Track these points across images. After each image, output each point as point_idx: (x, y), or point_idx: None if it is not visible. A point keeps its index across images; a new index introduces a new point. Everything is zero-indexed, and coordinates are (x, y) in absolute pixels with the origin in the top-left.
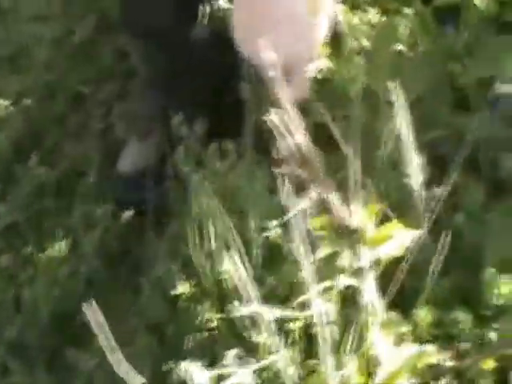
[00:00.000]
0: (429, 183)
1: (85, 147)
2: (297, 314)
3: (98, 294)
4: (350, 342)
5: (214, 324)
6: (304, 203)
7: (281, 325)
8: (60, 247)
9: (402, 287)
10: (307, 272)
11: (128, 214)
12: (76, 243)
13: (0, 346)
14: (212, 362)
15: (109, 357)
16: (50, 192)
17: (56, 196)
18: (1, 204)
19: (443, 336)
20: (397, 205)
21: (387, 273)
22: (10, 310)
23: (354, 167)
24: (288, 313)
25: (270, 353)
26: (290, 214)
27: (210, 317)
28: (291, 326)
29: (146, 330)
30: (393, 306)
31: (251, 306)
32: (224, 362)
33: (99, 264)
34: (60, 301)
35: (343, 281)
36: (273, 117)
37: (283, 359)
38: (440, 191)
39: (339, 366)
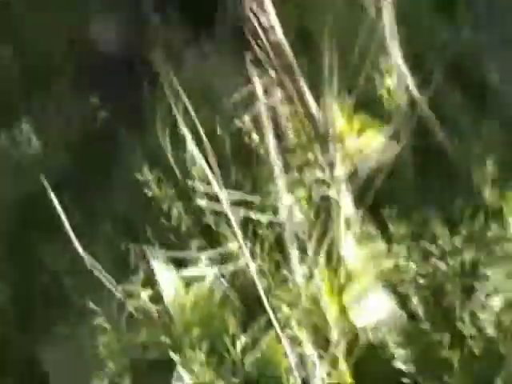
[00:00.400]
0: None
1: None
2: (267, 218)
3: (68, 186)
4: (322, 254)
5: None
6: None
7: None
8: (32, 141)
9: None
10: (279, 178)
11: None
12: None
13: None
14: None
15: (76, 244)
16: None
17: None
18: None
19: (413, 236)
20: (373, 106)
21: (364, 183)
22: None
23: (330, 61)
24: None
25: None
26: (259, 104)
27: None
28: (263, 232)
29: (113, 220)
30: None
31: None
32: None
33: (72, 158)
34: (31, 195)
35: (317, 191)
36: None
37: (254, 268)
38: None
39: (310, 277)
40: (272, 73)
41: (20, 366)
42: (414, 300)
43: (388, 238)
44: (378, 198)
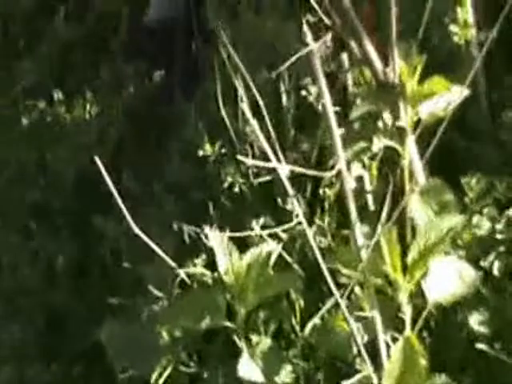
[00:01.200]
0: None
1: (113, 2)
2: (329, 178)
3: (125, 158)
4: (385, 211)
5: (242, 189)
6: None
7: (313, 193)
8: (87, 108)
9: (447, 150)
10: (338, 133)
11: (158, 73)
12: (104, 105)
13: (23, 209)
14: (238, 230)
15: (132, 224)
16: (77, 49)
17: (83, 53)
18: (26, 60)
19: (494, 205)
20: (442, 59)
21: (431, 134)
22: (33, 171)
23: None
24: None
25: (299, 222)
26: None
27: (238, 181)
28: (323, 192)
29: (172, 195)
30: (437, 171)
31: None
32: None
33: (127, 127)
34: (86, 166)
35: (380, 143)
36: None
37: (313, 228)
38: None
39: (371, 235)
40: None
41: (76, 338)
42: (493, 266)
43: (465, 207)
44: (452, 160)
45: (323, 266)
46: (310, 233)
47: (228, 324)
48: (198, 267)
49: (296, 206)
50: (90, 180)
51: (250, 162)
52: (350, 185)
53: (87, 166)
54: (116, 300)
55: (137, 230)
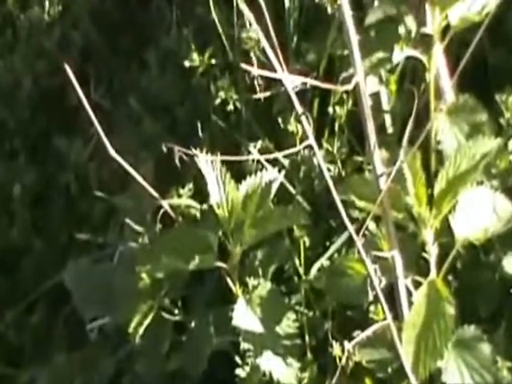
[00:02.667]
0: None
1: None
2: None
3: (93, 68)
4: (407, 133)
5: (236, 107)
6: None
7: (320, 112)
8: (46, 7)
9: (480, 62)
10: (354, 40)
11: None
12: (68, 5)
13: None
14: (232, 155)
15: (106, 145)
16: None
17: None
18: None
19: None
20: None
21: (461, 44)
22: None
23: None
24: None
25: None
26: None
27: (232, 97)
28: (333, 111)
29: (153, 114)
30: (468, 87)
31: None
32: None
33: (96, 33)
34: (47, 76)
35: (401, 52)
36: None
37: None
38: None
39: (391, 163)
40: None
41: (35, 281)
42: None
43: (500, 129)
44: (486, 74)
45: (336, 196)
46: (320, 156)
47: (220, 264)
48: (183, 198)
49: (305, 125)
50: (51, 94)
51: (255, 71)
52: (368, 101)
53: (47, 77)
54: (83, 235)
55: (111, 151)
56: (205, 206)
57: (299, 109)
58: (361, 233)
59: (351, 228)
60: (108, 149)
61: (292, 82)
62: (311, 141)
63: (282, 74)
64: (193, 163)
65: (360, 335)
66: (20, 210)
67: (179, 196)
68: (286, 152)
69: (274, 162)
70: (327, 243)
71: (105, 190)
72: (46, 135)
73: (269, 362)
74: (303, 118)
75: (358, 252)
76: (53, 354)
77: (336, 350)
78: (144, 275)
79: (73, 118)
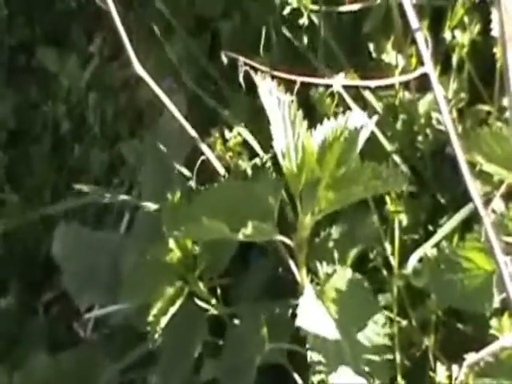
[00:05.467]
0: None
1: None
2: None
3: None
4: None
5: (312, 21)
6: None
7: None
8: None
9: None
10: None
11: None
12: None
13: None
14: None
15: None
16: None
17: None
18: None
19: None
20: None
21: None
22: None
23: None
24: None
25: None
26: None
27: (307, 7)
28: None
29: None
30: None
31: None
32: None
33: None
34: None
35: None
36: None
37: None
38: None
39: None
40: None
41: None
42: None
43: None
44: None
45: (459, 153)
46: (440, 93)
47: (282, 238)
48: (230, 142)
49: (421, 46)
50: None
51: None
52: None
53: None
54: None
55: (137, 66)
56: (262, 158)
57: (414, 21)
58: (489, 208)
59: (479, 200)
60: (134, 64)
61: None
62: (428, 68)
63: None
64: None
65: (474, 357)
66: None
67: (224, 140)
68: (383, 82)
69: (361, 105)
70: (431, 226)
71: (107, 133)
72: (28, 47)
73: (346, 382)
74: (418, 35)
75: (483, 238)
76: (28, 355)
77: (440, 375)
78: (172, 244)
79: (66, 26)
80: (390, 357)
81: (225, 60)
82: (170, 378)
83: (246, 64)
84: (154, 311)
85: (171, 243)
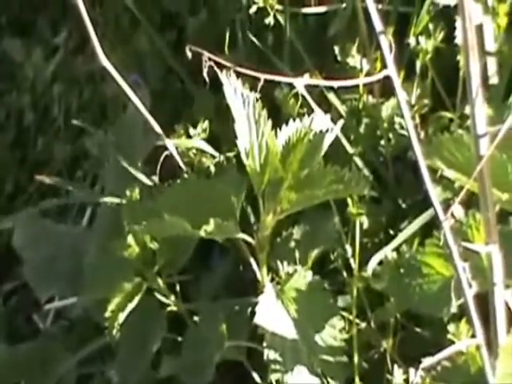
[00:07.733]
0: None
1: None
2: None
3: None
4: None
5: (278, 20)
6: None
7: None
8: None
9: None
10: None
11: None
12: None
13: None
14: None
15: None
16: None
17: None
18: None
19: None
20: None
21: None
22: None
23: None
24: None
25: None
26: None
27: (273, 6)
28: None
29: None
30: None
31: None
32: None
33: None
34: None
35: None
36: None
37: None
38: None
39: (491, 120)
40: None
41: None
42: None
43: None
44: None
45: (420, 158)
46: (402, 96)
47: (244, 236)
48: (195, 138)
49: (384, 49)
50: None
51: None
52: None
53: None
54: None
55: (103, 59)
56: (226, 155)
57: (378, 25)
58: (448, 213)
59: (438, 205)
60: (99, 57)
61: None
62: (391, 70)
63: None
64: (201, 95)
65: (431, 360)
66: None
67: (188, 136)
68: (346, 83)
69: (325, 107)
70: (392, 229)
71: (71, 125)
72: None
73: (301, 382)
74: (382, 39)
75: (442, 243)
76: None
77: (397, 377)
78: (131, 239)
79: (32, 17)
80: (345, 359)
81: (189, 55)
82: (129, 374)
83: (210, 60)
84: (112, 306)
85: (130, 239)
